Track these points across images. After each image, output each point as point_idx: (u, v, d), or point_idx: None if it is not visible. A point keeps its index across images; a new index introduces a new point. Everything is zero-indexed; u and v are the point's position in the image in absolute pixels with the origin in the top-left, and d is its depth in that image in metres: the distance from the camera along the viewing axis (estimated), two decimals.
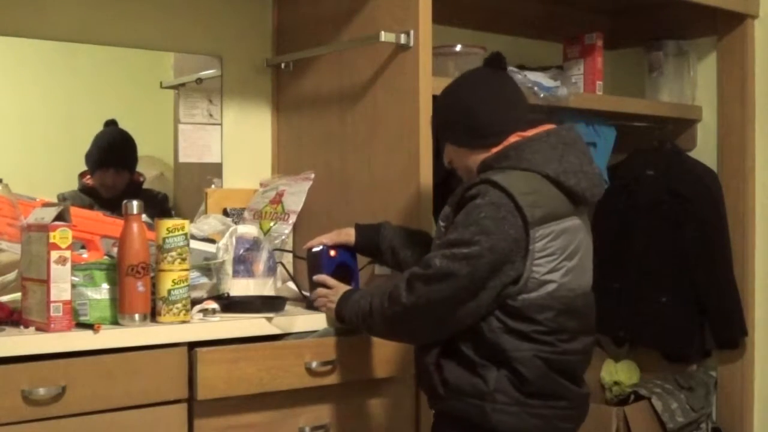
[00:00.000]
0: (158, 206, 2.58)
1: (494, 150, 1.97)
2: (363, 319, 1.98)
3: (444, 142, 2.07)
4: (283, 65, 2.75)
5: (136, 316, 1.95)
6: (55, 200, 2.01)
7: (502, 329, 1.86)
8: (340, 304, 2.06)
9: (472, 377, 1.88)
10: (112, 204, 1.95)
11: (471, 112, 1.99)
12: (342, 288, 2.11)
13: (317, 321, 2.18)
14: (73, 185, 2.51)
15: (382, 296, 1.93)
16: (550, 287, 1.88)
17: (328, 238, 2.24)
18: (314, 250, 2.26)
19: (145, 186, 2.63)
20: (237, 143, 2.74)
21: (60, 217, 1.90)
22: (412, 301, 1.87)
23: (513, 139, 1.97)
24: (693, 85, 3.22)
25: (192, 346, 1.98)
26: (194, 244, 2.12)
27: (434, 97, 2.11)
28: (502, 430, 1.86)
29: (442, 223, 1.97)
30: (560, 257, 1.90)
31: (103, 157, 2.52)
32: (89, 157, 2.51)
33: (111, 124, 2.53)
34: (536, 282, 1.87)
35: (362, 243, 2.24)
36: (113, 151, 2.56)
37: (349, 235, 2.25)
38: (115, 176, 2.55)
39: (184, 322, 2.00)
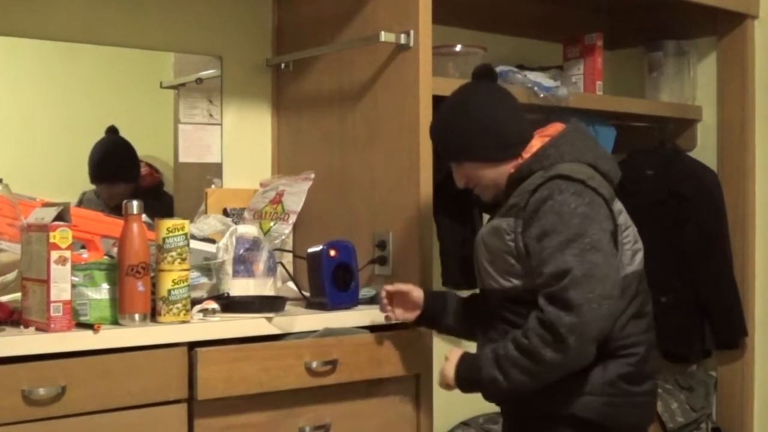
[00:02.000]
0: (167, 208, 2.58)
1: (525, 155, 1.98)
2: (514, 387, 1.86)
3: (461, 162, 2.03)
4: (283, 65, 2.75)
5: (136, 316, 1.95)
6: (55, 200, 2.01)
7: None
8: (465, 384, 1.95)
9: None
10: (119, 210, 1.99)
11: (497, 126, 1.98)
12: (450, 364, 1.98)
13: (317, 321, 2.18)
14: (73, 185, 2.51)
15: (525, 355, 1.82)
16: (638, 257, 1.97)
17: (394, 287, 2.16)
18: (314, 250, 2.26)
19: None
20: (237, 143, 2.74)
21: (60, 217, 1.90)
22: (576, 318, 1.77)
23: (536, 142, 1.99)
24: (693, 85, 3.22)
25: (192, 346, 1.98)
26: (194, 244, 2.12)
27: (435, 124, 2.10)
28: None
29: (507, 237, 1.92)
30: (632, 230, 1.98)
31: (94, 172, 2.51)
32: (88, 170, 2.52)
33: (111, 131, 2.52)
34: (629, 255, 1.93)
35: (426, 311, 2.16)
36: (104, 165, 2.53)
37: (418, 296, 2.16)
38: (110, 188, 2.53)
39: (184, 322, 2.00)
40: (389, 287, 2.14)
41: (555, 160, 1.93)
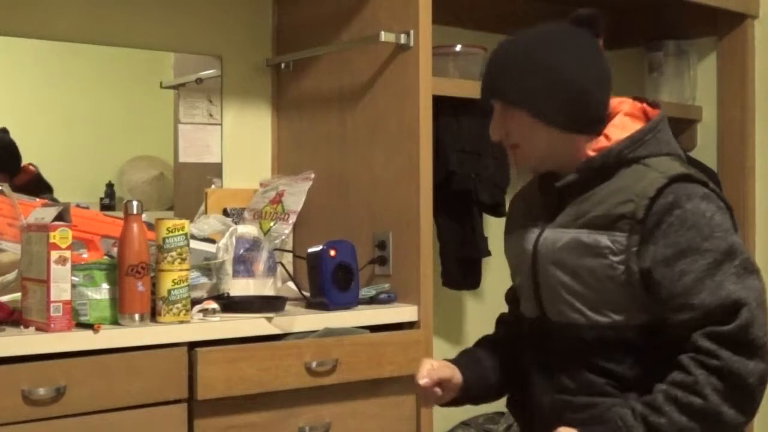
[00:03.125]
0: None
1: (610, 136, 1.58)
2: None
3: (515, 108, 1.60)
4: (283, 65, 2.75)
5: (136, 316, 1.95)
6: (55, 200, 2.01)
7: None
8: None
9: None
10: None
11: (583, 88, 1.58)
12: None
13: (317, 321, 2.18)
14: (73, 185, 2.51)
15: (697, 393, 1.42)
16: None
17: (434, 379, 1.69)
18: (314, 250, 2.26)
19: (145, 186, 2.63)
20: (237, 143, 2.74)
21: (60, 217, 1.90)
22: (765, 364, 1.42)
23: (622, 121, 1.61)
24: (693, 85, 3.22)
25: (192, 346, 1.98)
26: (194, 244, 2.12)
27: (501, 51, 1.65)
28: None
29: (614, 258, 1.51)
30: None
31: None
32: None
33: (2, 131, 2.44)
34: None
35: (471, 381, 1.74)
36: None
37: (453, 371, 1.73)
38: None
39: (184, 322, 2.00)
40: (427, 381, 1.66)
41: (653, 149, 1.56)
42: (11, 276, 2.11)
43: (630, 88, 3.24)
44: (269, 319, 2.10)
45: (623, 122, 1.59)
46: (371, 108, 2.47)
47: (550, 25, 1.66)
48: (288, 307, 2.22)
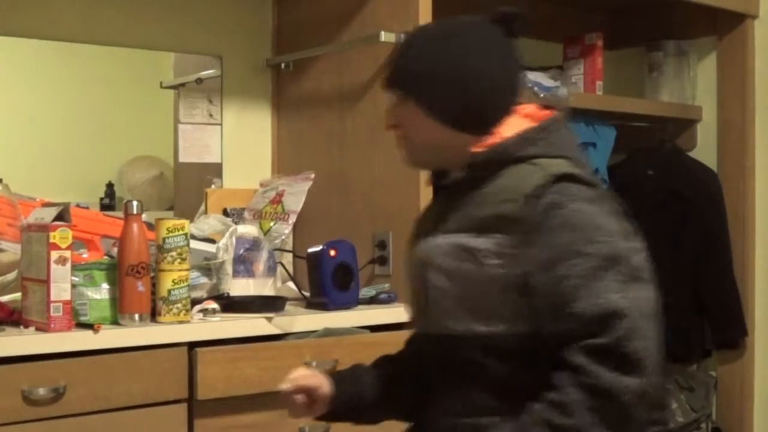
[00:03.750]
0: None
1: (500, 133, 1.47)
2: None
3: (405, 97, 1.51)
4: (283, 65, 2.75)
5: (136, 316, 1.95)
6: (55, 200, 2.01)
7: None
8: None
9: None
10: None
11: (479, 86, 1.47)
12: None
13: (317, 321, 2.18)
14: (73, 185, 2.51)
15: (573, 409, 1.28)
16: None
17: (296, 386, 1.58)
18: (314, 250, 2.26)
19: (145, 186, 2.63)
20: (237, 143, 2.74)
21: (60, 217, 1.90)
22: (643, 379, 1.28)
23: (517, 121, 1.49)
24: (693, 85, 3.22)
25: (192, 346, 1.98)
26: (194, 244, 2.12)
27: (407, 37, 1.58)
28: None
29: (492, 262, 1.37)
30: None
31: None
32: None
33: None
34: None
35: (342, 396, 1.59)
36: None
37: (320, 381, 1.59)
38: None
39: (184, 322, 2.00)
40: (287, 387, 1.57)
41: (541, 150, 1.44)
42: (11, 276, 2.11)
43: (630, 88, 3.26)
44: (269, 319, 2.10)
45: (518, 122, 1.48)
46: (371, 108, 2.46)
47: (465, 18, 1.54)
48: (288, 307, 2.22)
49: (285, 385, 1.56)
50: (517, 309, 1.37)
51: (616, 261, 1.32)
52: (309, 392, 1.57)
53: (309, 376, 1.60)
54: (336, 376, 1.62)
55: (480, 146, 1.46)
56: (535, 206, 1.36)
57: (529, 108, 1.53)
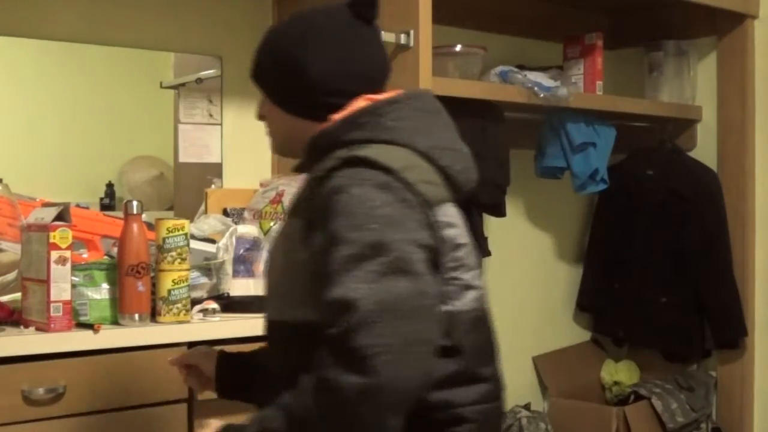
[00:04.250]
0: None
1: (335, 117, 1.43)
2: None
3: (258, 87, 1.54)
4: None
5: (136, 316, 1.95)
6: (55, 200, 2.01)
7: (447, 374, 1.32)
8: None
9: None
10: None
11: (315, 70, 1.44)
12: None
13: None
14: (73, 185, 2.51)
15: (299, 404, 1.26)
16: (471, 294, 1.38)
17: (179, 359, 1.71)
18: None
19: (145, 186, 2.63)
20: (237, 143, 2.74)
21: (60, 217, 1.90)
22: (367, 379, 1.20)
23: (361, 102, 1.44)
24: (693, 85, 3.22)
25: (192, 346, 1.97)
26: (194, 244, 2.12)
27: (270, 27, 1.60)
28: None
29: (296, 247, 1.35)
30: (468, 254, 1.40)
31: None
32: None
33: None
34: (456, 288, 1.36)
35: (222, 378, 1.66)
36: None
37: (200, 361, 1.68)
38: None
39: (184, 322, 2.00)
40: (171, 359, 1.69)
41: (369, 134, 1.38)
42: (11, 276, 2.11)
43: (630, 88, 3.26)
44: None
45: (356, 104, 1.44)
46: None
47: (318, 6, 1.52)
48: None
49: (169, 358, 1.71)
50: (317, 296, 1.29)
51: (379, 251, 1.24)
52: (193, 370, 1.68)
53: (196, 356, 1.69)
54: (223, 355, 1.67)
55: (312, 129, 1.45)
56: (322, 190, 1.33)
57: (384, 92, 1.48)
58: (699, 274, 3.06)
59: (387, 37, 2.33)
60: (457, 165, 1.44)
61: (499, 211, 2.72)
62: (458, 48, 2.66)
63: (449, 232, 1.35)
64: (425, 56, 2.33)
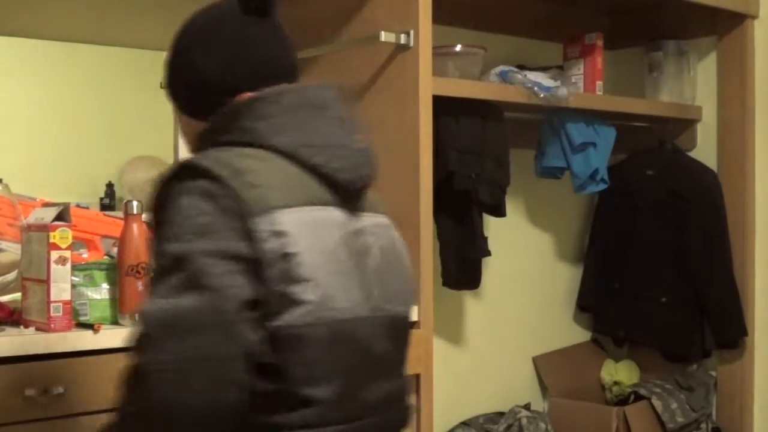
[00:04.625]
0: None
1: (211, 119, 1.42)
2: None
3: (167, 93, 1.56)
4: None
5: (137, 316, 1.94)
6: (56, 200, 2.01)
7: (265, 395, 1.25)
8: None
9: None
10: None
11: (204, 68, 1.46)
12: None
13: None
14: (73, 185, 2.51)
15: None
16: (302, 309, 1.27)
17: None
18: None
19: (145, 186, 2.63)
20: None
21: (60, 217, 1.90)
22: (143, 400, 1.19)
23: (233, 102, 1.42)
24: (693, 85, 3.22)
25: None
26: None
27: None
28: None
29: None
30: (306, 261, 1.28)
31: None
32: None
33: None
34: (287, 298, 1.26)
35: None
36: None
37: None
38: None
39: None
40: None
41: (231, 137, 1.36)
42: (11, 276, 2.11)
43: (630, 88, 3.26)
44: None
45: (228, 105, 1.42)
46: (371, 108, 2.46)
47: (210, 4, 1.53)
48: None
49: None
50: None
51: (180, 264, 1.21)
52: None
53: None
54: None
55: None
56: (154, 198, 1.31)
57: (274, 85, 1.44)
58: (699, 274, 3.06)
59: (387, 37, 2.33)
60: (336, 162, 1.37)
61: (499, 211, 2.72)
62: (458, 48, 2.66)
63: (274, 243, 1.25)
64: (425, 56, 2.33)
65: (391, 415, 1.40)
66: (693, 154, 3.21)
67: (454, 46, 2.66)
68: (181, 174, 1.29)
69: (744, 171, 3.11)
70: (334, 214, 1.36)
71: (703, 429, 3.09)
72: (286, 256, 1.26)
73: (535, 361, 3.24)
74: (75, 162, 2.52)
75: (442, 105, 2.48)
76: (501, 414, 2.95)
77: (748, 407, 3.13)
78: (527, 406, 3.03)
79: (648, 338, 3.18)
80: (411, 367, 2.22)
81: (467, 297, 3.05)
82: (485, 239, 2.73)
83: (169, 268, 1.22)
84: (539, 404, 3.22)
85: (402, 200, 2.37)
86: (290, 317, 1.25)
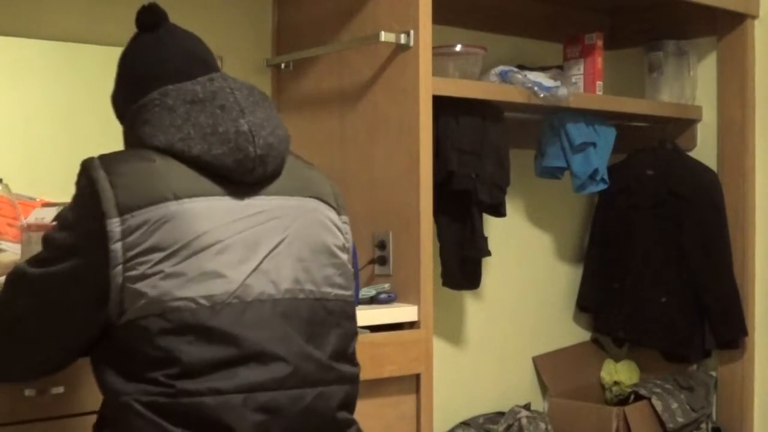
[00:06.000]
0: None
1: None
2: None
3: None
4: (283, 65, 2.75)
5: None
6: (55, 200, 2.01)
7: (111, 364, 1.51)
8: None
9: None
10: None
11: (122, 79, 1.66)
12: None
13: None
14: (73, 184, 2.50)
15: None
16: (172, 283, 1.41)
17: None
18: None
19: None
20: None
21: None
22: None
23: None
24: (693, 85, 3.22)
25: None
26: None
27: None
28: None
29: None
30: (177, 250, 1.40)
31: None
32: None
33: None
34: (133, 292, 1.40)
35: None
36: None
37: None
38: None
39: None
40: None
41: (134, 141, 1.53)
42: None
43: (630, 88, 3.27)
44: None
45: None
46: (371, 108, 2.47)
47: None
48: None
49: None
50: None
51: (46, 245, 1.47)
52: None
53: None
54: None
55: None
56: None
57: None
58: (699, 274, 3.06)
59: (387, 37, 2.33)
60: (216, 149, 1.45)
61: (499, 211, 2.72)
62: (458, 48, 2.66)
63: (137, 235, 1.38)
64: (425, 56, 2.33)
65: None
66: (693, 154, 3.21)
67: (454, 46, 2.66)
68: (83, 169, 1.49)
69: (744, 171, 3.11)
70: (214, 203, 1.43)
71: (703, 429, 3.09)
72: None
73: (535, 361, 3.24)
74: (75, 162, 2.51)
75: (442, 105, 2.48)
76: (501, 414, 2.95)
77: (748, 407, 3.13)
78: (527, 406, 3.03)
79: (648, 338, 3.18)
80: (411, 367, 2.23)
81: (467, 297, 3.05)
82: (485, 239, 2.73)
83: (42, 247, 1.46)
84: (539, 404, 3.22)
85: (402, 200, 2.37)
86: (133, 311, 1.44)
